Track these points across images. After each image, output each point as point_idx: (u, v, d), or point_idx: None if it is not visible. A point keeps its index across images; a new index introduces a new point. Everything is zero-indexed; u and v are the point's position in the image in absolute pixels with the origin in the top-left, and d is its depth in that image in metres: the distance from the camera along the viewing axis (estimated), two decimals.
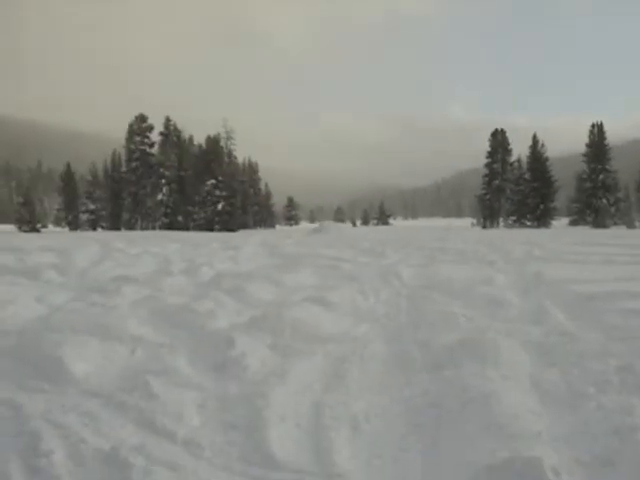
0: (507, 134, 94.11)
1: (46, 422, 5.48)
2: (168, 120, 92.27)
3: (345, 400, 6.28)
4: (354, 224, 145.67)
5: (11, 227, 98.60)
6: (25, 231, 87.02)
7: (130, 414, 5.74)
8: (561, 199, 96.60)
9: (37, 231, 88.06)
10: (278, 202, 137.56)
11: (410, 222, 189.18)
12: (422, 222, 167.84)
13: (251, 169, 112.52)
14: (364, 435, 5.48)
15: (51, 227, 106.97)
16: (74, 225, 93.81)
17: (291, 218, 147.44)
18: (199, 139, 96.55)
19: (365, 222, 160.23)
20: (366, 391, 6.63)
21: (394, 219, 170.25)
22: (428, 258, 22.22)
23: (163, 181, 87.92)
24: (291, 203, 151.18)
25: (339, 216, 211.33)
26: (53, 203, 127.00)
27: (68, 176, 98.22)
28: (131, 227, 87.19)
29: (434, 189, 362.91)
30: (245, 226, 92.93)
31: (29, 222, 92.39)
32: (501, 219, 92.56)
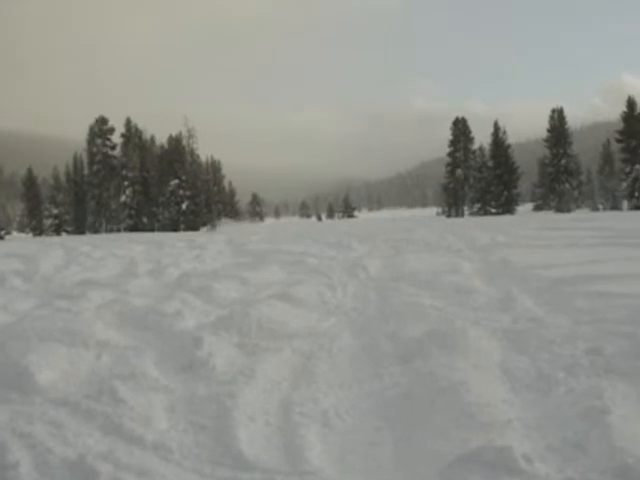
0: (468, 122, 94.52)
1: (12, 433, 5.41)
2: (129, 121, 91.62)
3: (314, 396, 6.28)
4: (319, 218, 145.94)
5: None
6: None
7: (97, 421, 5.67)
8: (525, 185, 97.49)
9: (0, 238, 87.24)
10: (243, 199, 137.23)
11: (375, 214, 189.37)
12: (387, 213, 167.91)
13: (214, 167, 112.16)
14: (335, 431, 5.48)
15: (15, 233, 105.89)
16: (38, 230, 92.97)
17: (256, 214, 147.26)
18: (161, 137, 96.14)
19: (330, 215, 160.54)
20: (336, 386, 6.63)
21: (359, 211, 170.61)
22: (394, 249, 22.24)
23: (126, 183, 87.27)
24: (255, 199, 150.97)
25: (304, 210, 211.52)
26: (16, 209, 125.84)
27: (30, 181, 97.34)
28: (96, 230, 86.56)
29: (398, 180, 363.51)
30: (209, 224, 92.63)
31: None
32: (466, 207, 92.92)
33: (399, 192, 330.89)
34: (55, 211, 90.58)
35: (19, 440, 5.25)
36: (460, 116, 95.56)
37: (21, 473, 4.67)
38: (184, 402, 6.16)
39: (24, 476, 4.63)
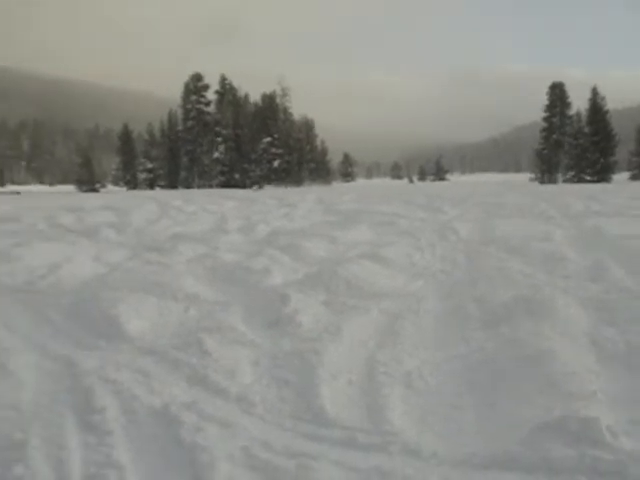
0: (565, 87, 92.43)
1: (100, 379, 5.55)
2: (224, 79, 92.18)
3: (399, 357, 6.25)
4: (411, 180, 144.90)
5: (71, 187, 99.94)
6: (84, 191, 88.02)
7: (183, 371, 5.78)
8: (621, 153, 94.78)
9: (96, 191, 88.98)
10: (334, 159, 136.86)
11: (467, 177, 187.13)
12: (479, 177, 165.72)
13: (307, 126, 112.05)
14: (417, 392, 5.45)
15: (110, 187, 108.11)
16: (132, 184, 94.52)
17: (347, 175, 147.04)
18: (254, 96, 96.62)
19: (422, 178, 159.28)
20: (421, 348, 6.60)
21: (451, 175, 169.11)
22: (485, 213, 21.98)
23: (219, 139, 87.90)
24: (347, 159, 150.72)
25: (396, 172, 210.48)
26: (111, 163, 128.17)
27: (125, 136, 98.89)
28: (188, 185, 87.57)
29: (492, 144, 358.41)
30: (301, 183, 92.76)
31: (88, 182, 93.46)
32: (559, 174, 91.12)
33: (491, 156, 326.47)
34: (149, 166, 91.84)
35: (106, 386, 5.39)
36: (558, 81, 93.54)
37: (107, 418, 4.78)
38: (269, 357, 6.20)
39: (110, 421, 4.75)
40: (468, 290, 9.11)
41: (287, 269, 10.68)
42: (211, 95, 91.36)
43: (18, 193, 71.52)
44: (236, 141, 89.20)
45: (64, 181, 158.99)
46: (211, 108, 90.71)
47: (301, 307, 7.69)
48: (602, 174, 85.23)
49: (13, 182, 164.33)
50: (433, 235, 15.29)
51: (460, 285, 9.59)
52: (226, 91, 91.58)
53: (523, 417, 4.73)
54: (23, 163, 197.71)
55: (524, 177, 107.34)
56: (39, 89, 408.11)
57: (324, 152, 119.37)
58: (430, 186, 74.71)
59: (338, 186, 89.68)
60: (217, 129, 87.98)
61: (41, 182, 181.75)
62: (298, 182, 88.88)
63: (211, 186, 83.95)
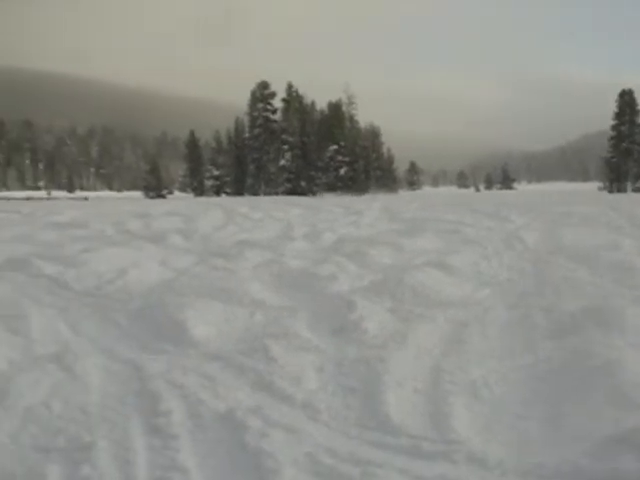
0: (634, 94, 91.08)
1: (167, 382, 5.61)
2: (290, 86, 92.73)
3: (465, 365, 6.21)
4: (477, 189, 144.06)
5: (138, 193, 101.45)
6: (151, 197, 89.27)
7: (248, 377, 5.81)
8: None
9: (163, 197, 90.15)
10: (400, 167, 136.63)
11: (534, 186, 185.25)
12: (546, 186, 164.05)
13: (373, 133, 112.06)
14: (483, 401, 5.40)
15: (177, 193, 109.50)
16: (199, 191, 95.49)
17: (413, 183, 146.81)
18: (320, 103, 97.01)
19: (488, 186, 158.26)
20: (486, 357, 6.53)
21: (518, 183, 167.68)
22: (553, 222, 21.73)
23: (286, 147, 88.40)
24: (413, 168, 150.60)
25: (462, 181, 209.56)
26: (178, 170, 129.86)
27: (192, 143, 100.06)
28: (255, 193, 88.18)
29: (559, 152, 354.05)
30: (367, 191, 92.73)
31: (155, 188, 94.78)
32: (628, 183, 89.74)
33: (559, 165, 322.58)
34: (216, 173, 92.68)
35: (173, 390, 5.44)
36: (627, 88, 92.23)
37: (173, 422, 4.83)
38: (334, 364, 6.20)
39: (176, 425, 4.79)
40: (535, 299, 9.00)
41: (353, 276, 10.66)
42: (277, 103, 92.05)
43: (86, 199, 72.93)
44: (302, 149, 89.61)
45: (132, 187, 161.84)
46: (277, 116, 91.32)
47: (367, 314, 7.67)
48: None
49: (82, 188, 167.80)
50: (500, 244, 15.16)
51: (527, 294, 9.48)
52: (292, 99, 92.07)
53: (591, 428, 4.64)
54: (92, 169, 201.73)
55: (592, 186, 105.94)
56: (109, 97, 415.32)
57: (390, 160, 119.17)
58: (496, 195, 74.24)
59: (404, 194, 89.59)
60: (283, 137, 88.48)
61: (109, 188, 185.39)
62: (362, 191, 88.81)
63: (277, 193, 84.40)
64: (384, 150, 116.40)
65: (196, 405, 5.14)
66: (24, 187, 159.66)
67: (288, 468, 4.08)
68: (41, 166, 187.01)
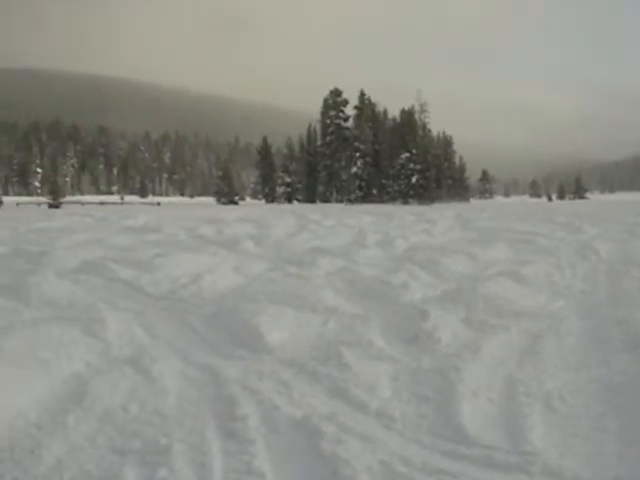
0: None
1: (242, 388, 5.65)
2: (362, 94, 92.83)
3: (539, 377, 6.15)
4: (549, 198, 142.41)
5: (210, 199, 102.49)
6: (224, 203, 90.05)
7: (323, 384, 5.82)
8: None
9: (235, 203, 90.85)
10: (472, 175, 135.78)
11: (607, 196, 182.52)
12: (620, 196, 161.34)
13: (445, 142, 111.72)
14: (558, 413, 5.33)
15: (248, 199, 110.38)
16: (270, 197, 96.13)
17: (485, 192, 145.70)
18: (392, 111, 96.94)
19: (561, 196, 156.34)
20: (561, 368, 6.47)
21: (591, 193, 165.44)
22: (628, 233, 21.43)
23: (358, 154, 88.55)
24: (485, 176, 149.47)
25: (534, 190, 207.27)
26: (250, 176, 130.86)
27: (265, 150, 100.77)
28: (326, 200, 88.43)
29: (632, 162, 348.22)
30: (438, 199, 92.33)
31: (227, 194, 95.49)
32: None
33: (633, 175, 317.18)
34: (288, 179, 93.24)
35: (249, 395, 5.48)
36: None
37: (249, 426, 4.86)
38: (408, 373, 6.19)
39: (252, 430, 4.82)
40: (610, 311, 8.92)
41: (425, 285, 10.63)
42: (350, 110, 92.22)
43: (158, 204, 74.09)
44: (374, 156, 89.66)
45: (203, 193, 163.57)
46: (350, 123, 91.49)
47: (440, 323, 7.64)
48: None
49: (154, 193, 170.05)
50: (573, 254, 15.03)
51: (601, 306, 9.39)
52: (364, 106, 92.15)
53: None
54: (165, 175, 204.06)
55: None
56: (182, 103, 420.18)
57: (462, 168, 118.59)
58: (569, 204, 73.38)
59: (476, 203, 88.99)
60: (355, 144, 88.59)
61: (181, 194, 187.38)
62: (433, 199, 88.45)
63: (349, 200, 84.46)
64: (456, 159, 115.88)
65: (271, 411, 5.16)
66: (98, 192, 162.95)
67: (363, 475, 4.09)
68: (115, 171, 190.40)
